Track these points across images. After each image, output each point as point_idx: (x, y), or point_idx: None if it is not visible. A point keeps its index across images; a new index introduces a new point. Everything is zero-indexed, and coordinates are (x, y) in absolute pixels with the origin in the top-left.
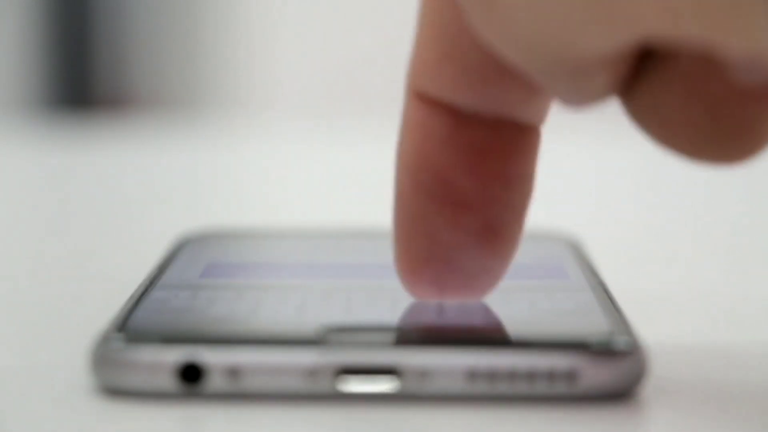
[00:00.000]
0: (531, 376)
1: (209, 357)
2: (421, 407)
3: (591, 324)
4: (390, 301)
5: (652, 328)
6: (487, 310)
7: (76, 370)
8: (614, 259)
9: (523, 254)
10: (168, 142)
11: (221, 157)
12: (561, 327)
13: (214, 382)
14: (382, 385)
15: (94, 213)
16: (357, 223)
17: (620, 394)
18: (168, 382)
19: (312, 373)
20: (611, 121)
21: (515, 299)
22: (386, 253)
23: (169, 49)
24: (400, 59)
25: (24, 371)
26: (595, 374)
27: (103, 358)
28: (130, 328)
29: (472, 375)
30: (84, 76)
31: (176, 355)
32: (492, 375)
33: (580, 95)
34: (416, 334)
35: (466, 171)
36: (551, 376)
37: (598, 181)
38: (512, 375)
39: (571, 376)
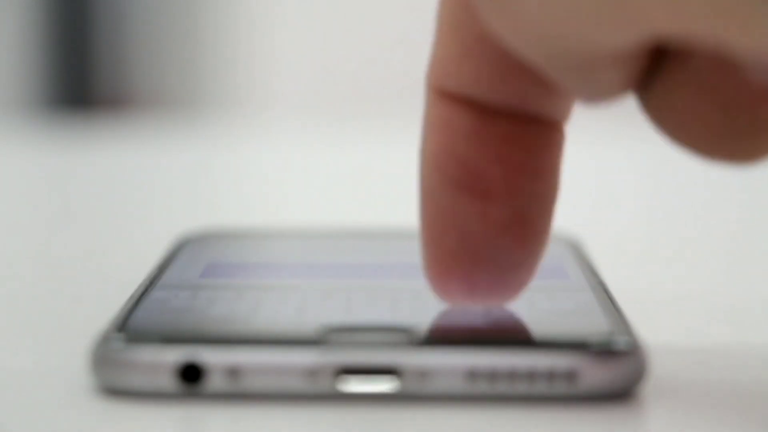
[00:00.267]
0: (531, 376)
1: (209, 357)
2: (421, 407)
3: (591, 324)
4: (390, 301)
5: (652, 328)
6: (487, 310)
7: (76, 370)
8: (614, 259)
9: None
10: (168, 142)
11: (221, 157)
12: (561, 327)
13: (214, 382)
14: (382, 385)
15: (94, 213)
16: (357, 223)
17: (620, 394)
18: (168, 382)
19: (312, 373)
20: (611, 121)
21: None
22: (386, 253)
23: (169, 49)
24: (400, 60)
25: (24, 371)
26: (595, 374)
27: (103, 358)
28: (130, 328)
29: (472, 375)
30: (84, 76)
31: (176, 355)
32: (492, 375)
33: (593, 91)
34: (416, 334)
35: (494, 161)
36: (551, 376)
37: (598, 181)
38: (512, 375)
39: (571, 376)
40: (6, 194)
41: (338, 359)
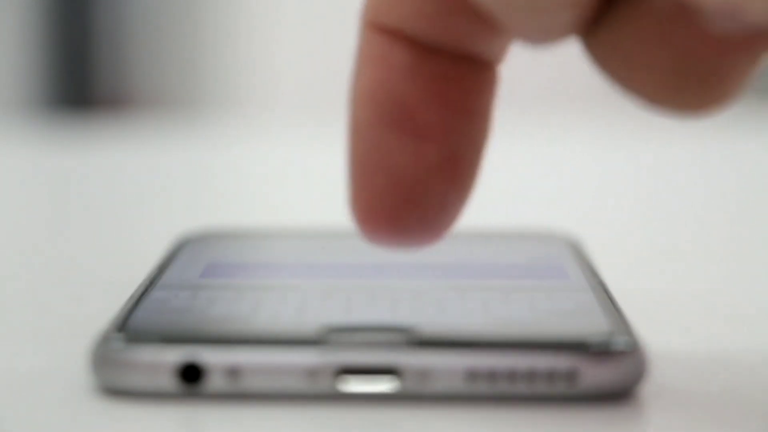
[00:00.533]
0: (531, 376)
1: (209, 357)
2: (421, 407)
3: (591, 324)
4: (390, 301)
5: (652, 328)
6: (487, 310)
7: (76, 370)
8: (614, 259)
9: (523, 254)
10: (168, 142)
11: (221, 157)
12: (561, 327)
13: (214, 382)
14: (382, 385)
15: (94, 213)
16: None
17: (620, 394)
18: (168, 382)
19: (312, 373)
20: (611, 121)
21: (515, 299)
22: (386, 253)
23: (169, 49)
24: None
25: (24, 371)
26: (595, 374)
27: (103, 358)
28: (130, 328)
29: (472, 375)
30: (84, 76)
31: (176, 355)
32: (492, 375)
33: (541, 32)
34: (416, 334)
35: (427, 100)
36: (551, 376)
37: (598, 181)
38: (512, 375)
39: (571, 376)
40: (6, 194)
41: (338, 359)
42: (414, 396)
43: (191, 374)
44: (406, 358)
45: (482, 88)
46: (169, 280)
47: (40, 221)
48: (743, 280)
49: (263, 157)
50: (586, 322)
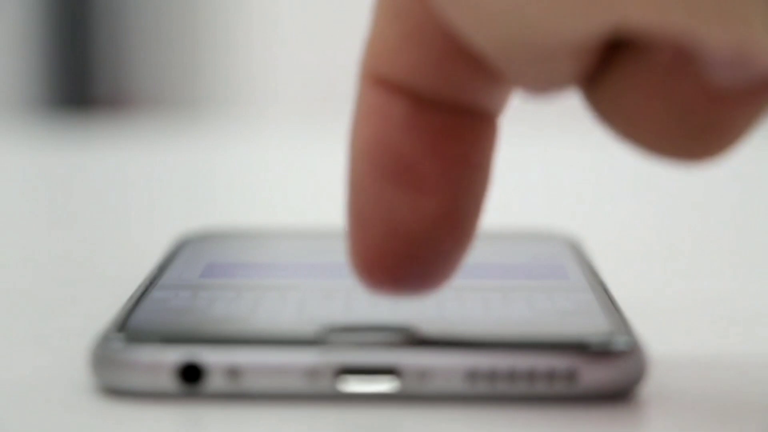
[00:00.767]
0: (531, 376)
1: (209, 357)
2: (421, 407)
3: (591, 324)
4: (390, 301)
5: (652, 328)
6: (487, 310)
7: (76, 370)
8: (614, 259)
9: (523, 254)
10: (168, 142)
11: (221, 157)
12: (561, 327)
13: (214, 382)
14: (382, 385)
15: (94, 213)
16: None
17: (620, 394)
18: (168, 382)
19: (312, 373)
20: None
21: (515, 299)
22: None
23: (169, 49)
24: None
25: (24, 371)
26: (595, 374)
27: (103, 358)
28: (130, 328)
29: (472, 375)
30: (84, 76)
31: (176, 355)
32: (492, 375)
33: (543, 83)
34: (416, 334)
35: (426, 154)
36: (551, 376)
37: (598, 181)
38: (512, 375)
39: (571, 376)
40: (6, 194)
41: (338, 359)
42: (414, 396)
43: (191, 374)
44: (406, 358)
45: (483, 141)
46: (169, 280)
47: (40, 221)
48: (743, 280)
49: (263, 157)
50: (586, 322)
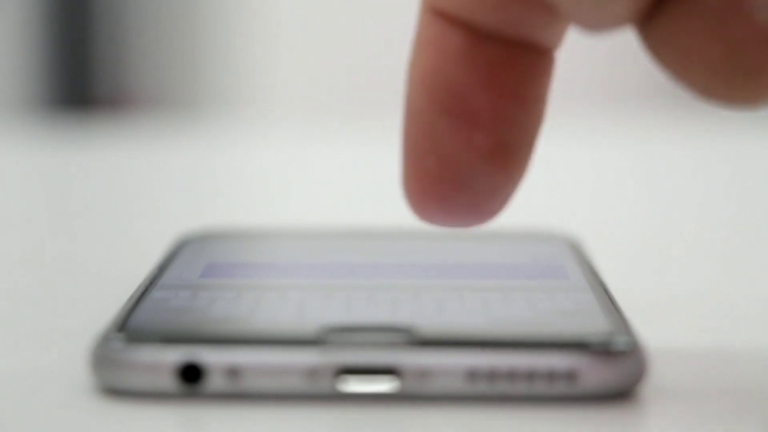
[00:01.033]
0: (531, 376)
1: (209, 357)
2: (421, 407)
3: (591, 324)
4: (390, 301)
5: (652, 328)
6: (487, 310)
7: (76, 370)
8: (614, 259)
9: (523, 254)
10: (168, 142)
11: (221, 157)
12: (561, 327)
13: (214, 382)
14: (382, 385)
15: (94, 213)
16: (357, 223)
17: (620, 394)
18: (168, 382)
19: (312, 373)
20: (611, 120)
21: (515, 299)
22: (386, 253)
23: (169, 49)
24: (400, 61)
25: (24, 371)
26: (595, 374)
27: (103, 358)
28: (130, 328)
29: (472, 375)
30: (84, 76)
31: (176, 355)
32: (492, 375)
33: (600, 20)
34: (416, 334)
35: (481, 88)
36: (551, 376)
37: (598, 181)
38: (512, 375)
39: (571, 376)
40: (6, 194)
41: (338, 359)
42: (414, 396)
43: (191, 374)
44: (406, 358)
45: (537, 75)
46: (169, 280)
47: (39, 221)
48: (743, 279)
49: (263, 157)
50: (586, 322)
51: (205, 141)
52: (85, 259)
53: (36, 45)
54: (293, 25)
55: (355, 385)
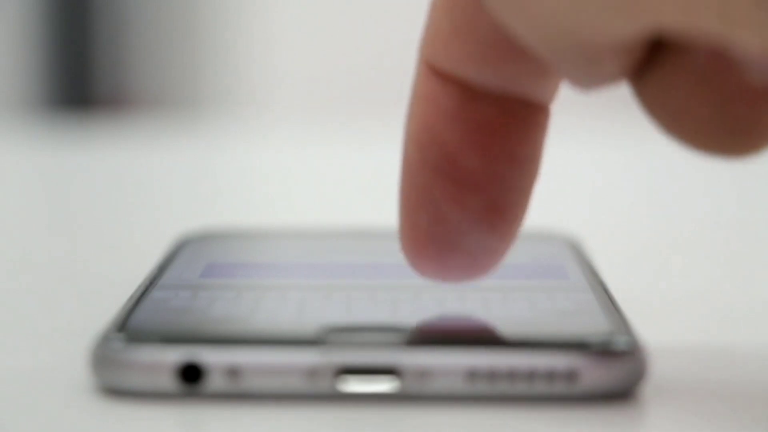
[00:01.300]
0: (531, 376)
1: (209, 357)
2: (421, 407)
3: (591, 324)
4: (390, 301)
5: (652, 328)
6: (487, 310)
7: (76, 370)
8: (614, 259)
9: (523, 254)
10: (168, 142)
11: (221, 157)
12: (561, 327)
13: (214, 382)
14: (382, 385)
15: (94, 213)
16: (357, 223)
17: (620, 394)
18: (168, 382)
19: (312, 373)
20: (611, 121)
21: (515, 299)
22: (386, 253)
23: (169, 49)
24: (399, 61)
25: (24, 371)
26: (595, 374)
27: (103, 358)
28: (130, 328)
29: (472, 375)
30: (84, 76)
31: (176, 355)
32: (492, 375)
33: (591, 79)
34: (416, 334)
35: (473, 149)
36: (551, 376)
37: (598, 181)
38: (512, 375)
39: (571, 376)
40: (6, 194)
41: (338, 359)
42: (414, 396)
43: (191, 374)
44: (406, 358)
45: (532, 132)
46: (169, 280)
47: (39, 221)
48: (743, 279)
49: (263, 157)
50: (586, 322)
51: (205, 141)
52: (85, 258)
53: (36, 45)
54: (293, 25)
55: (355, 385)
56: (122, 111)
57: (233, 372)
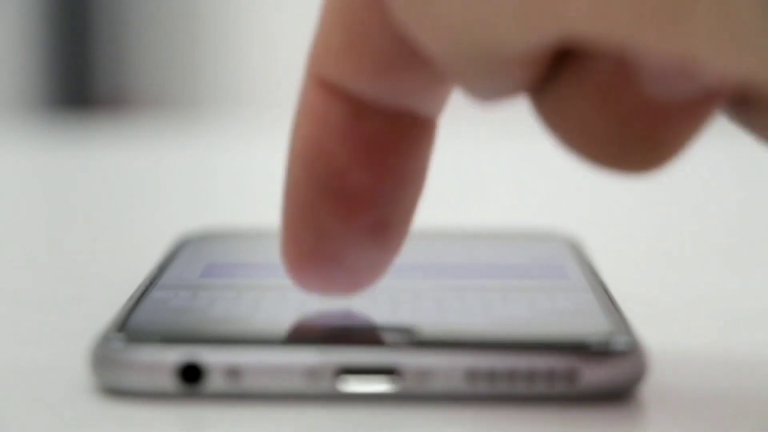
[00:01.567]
0: (531, 376)
1: (209, 357)
2: (421, 407)
3: (591, 324)
4: (390, 301)
5: (652, 328)
6: (487, 310)
7: (76, 370)
8: (614, 259)
9: (523, 254)
10: (168, 142)
11: (221, 157)
12: (561, 327)
13: (214, 382)
14: (382, 385)
15: (94, 213)
16: None
17: (620, 394)
18: (168, 382)
19: (312, 373)
20: None
21: (515, 299)
22: None
23: (169, 49)
24: None
25: (24, 371)
26: (595, 374)
27: (103, 358)
28: (130, 328)
29: (472, 375)
30: (84, 76)
31: (176, 355)
32: (492, 375)
33: (490, 91)
34: (416, 334)
35: (361, 165)
36: (551, 376)
37: (598, 181)
38: (512, 375)
39: (571, 376)
40: (6, 194)
41: (338, 359)
42: (414, 396)
43: (191, 374)
44: (406, 358)
45: (419, 147)
46: (169, 280)
47: (40, 221)
48: (743, 279)
49: (263, 157)
50: (586, 322)
51: (205, 141)
52: (85, 258)
53: (36, 45)
54: (293, 25)
55: (355, 385)
56: (122, 111)
57: (233, 372)
